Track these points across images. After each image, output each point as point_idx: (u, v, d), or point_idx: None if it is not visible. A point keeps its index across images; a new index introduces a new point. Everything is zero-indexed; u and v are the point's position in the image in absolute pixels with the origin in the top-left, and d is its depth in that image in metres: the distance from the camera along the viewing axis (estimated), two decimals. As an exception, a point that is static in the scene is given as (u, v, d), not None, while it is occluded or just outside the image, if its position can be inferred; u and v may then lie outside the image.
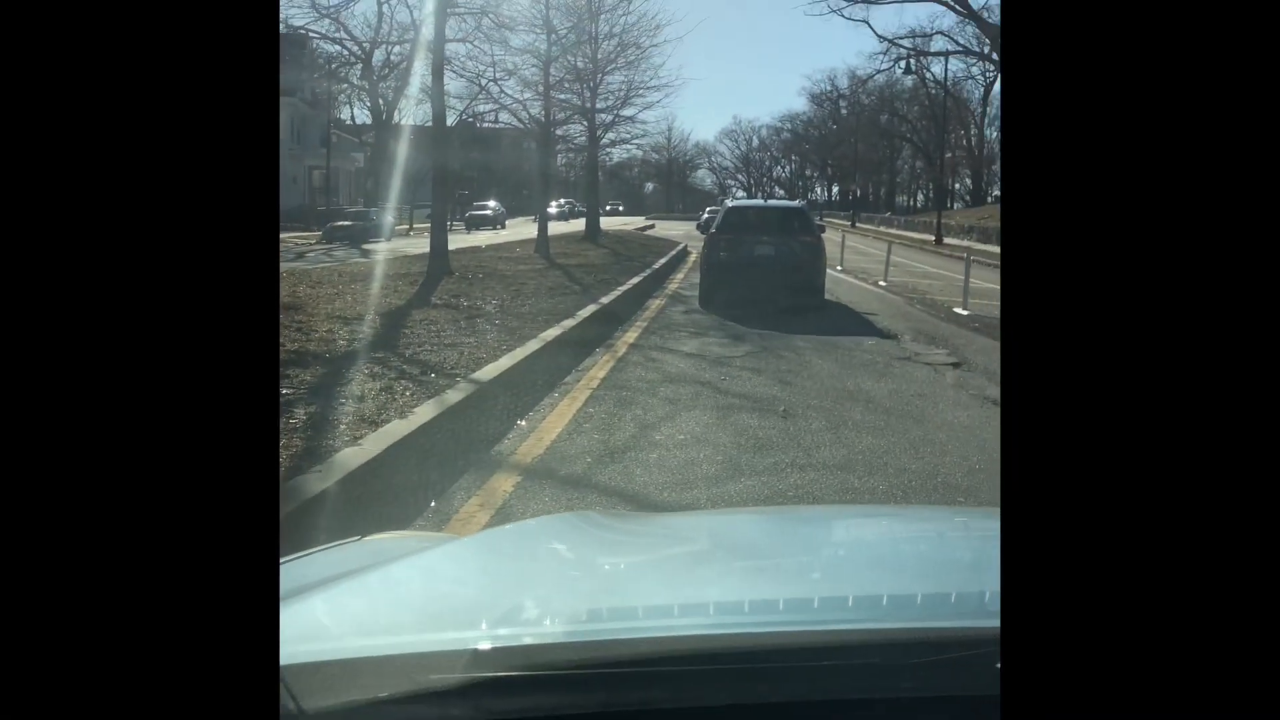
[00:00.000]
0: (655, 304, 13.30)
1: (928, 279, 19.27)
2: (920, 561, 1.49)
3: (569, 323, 8.95)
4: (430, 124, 14.91)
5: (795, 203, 18.89)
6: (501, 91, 20.56)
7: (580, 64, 23.99)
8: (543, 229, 20.86)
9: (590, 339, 8.99)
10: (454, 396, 5.26)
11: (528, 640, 0.99)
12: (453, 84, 25.46)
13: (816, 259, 12.67)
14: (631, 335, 9.78)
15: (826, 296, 13.32)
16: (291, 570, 1.34)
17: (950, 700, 0.91)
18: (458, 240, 29.10)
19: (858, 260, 23.73)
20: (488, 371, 6.12)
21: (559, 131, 30.06)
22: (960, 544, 1.64)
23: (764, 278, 12.12)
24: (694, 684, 0.92)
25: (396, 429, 4.40)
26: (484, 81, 19.47)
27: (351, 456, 3.93)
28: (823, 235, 13.40)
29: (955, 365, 8.44)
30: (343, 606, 1.20)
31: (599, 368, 7.70)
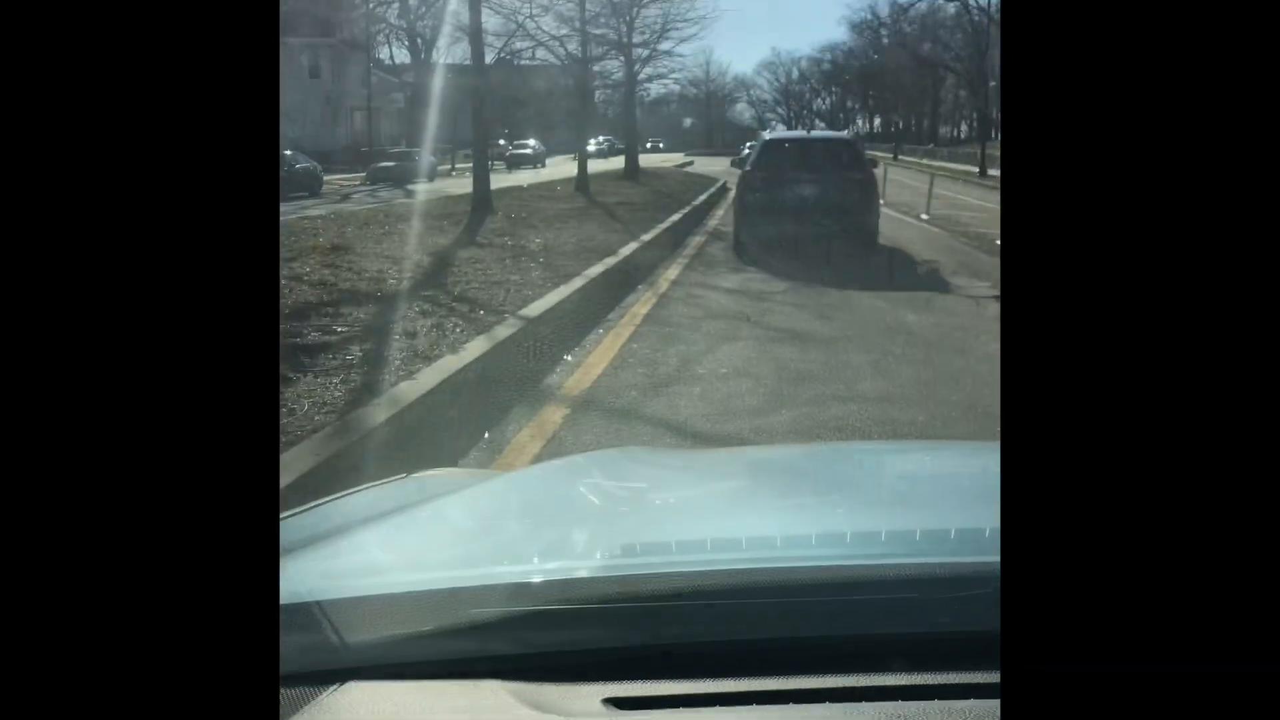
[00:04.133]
0: (695, 241, 13.34)
1: (970, 211, 19.04)
2: (956, 495, 1.48)
3: (610, 260, 9.06)
4: (469, 63, 14.88)
5: (842, 134, 17.06)
6: (538, 28, 20.44)
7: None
8: (582, 167, 20.87)
9: (632, 276, 9.10)
10: (503, 332, 5.42)
11: (563, 575, 1.00)
12: (490, 21, 25.36)
13: (869, 199, 11.14)
14: (673, 272, 9.87)
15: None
16: (340, 507, 1.38)
17: (985, 635, 0.88)
18: (500, 180, 29.05)
19: (900, 194, 23.45)
20: (534, 308, 6.27)
21: (596, 68, 29.89)
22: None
23: (807, 222, 10.39)
24: (727, 618, 0.92)
25: (449, 363, 4.57)
26: (521, 18, 19.32)
27: (408, 390, 4.11)
28: (875, 171, 12.08)
29: (997, 298, 8.44)
30: (386, 542, 1.22)
31: (642, 304, 7.82)
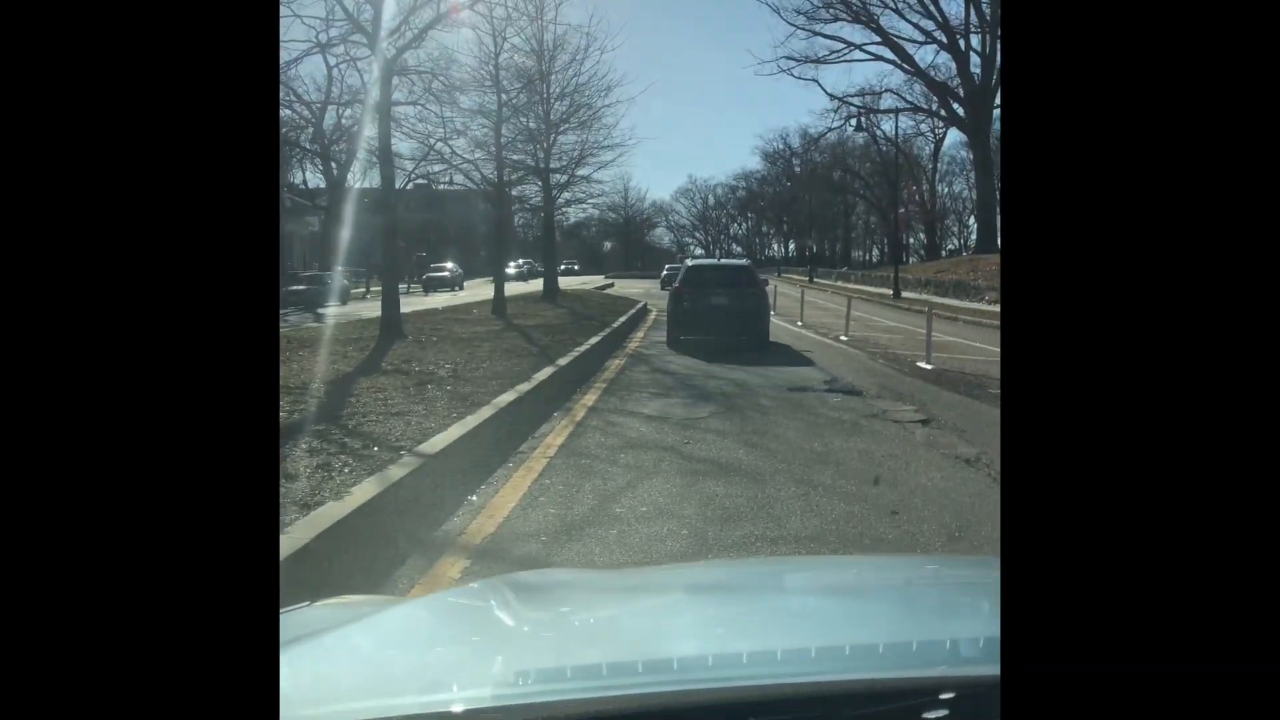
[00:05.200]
0: (615, 364, 12.98)
1: (889, 333, 19.18)
2: (883, 608, 1.52)
3: (524, 386, 8.58)
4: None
5: (742, 261, 21.38)
6: (453, 152, 20.37)
7: (532, 125, 23.97)
8: (499, 290, 20.58)
9: (547, 403, 8.64)
10: (397, 472, 4.87)
11: (455, 707, 0.97)
12: (404, 145, 25.32)
13: (761, 306, 15.32)
14: (591, 397, 9.44)
15: (787, 347, 14.66)
16: None
17: None
18: (415, 303, 28.86)
19: (818, 315, 23.65)
20: (436, 443, 5.74)
21: (514, 191, 30.01)
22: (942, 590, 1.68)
23: (720, 322, 14.73)
24: None
25: (331, 512, 4.01)
26: (433, 142, 19.22)
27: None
28: (766, 286, 16.25)
29: (924, 422, 8.19)
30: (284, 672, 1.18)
31: (556, 434, 7.34)
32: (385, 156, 13.84)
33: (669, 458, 6.50)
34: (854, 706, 0.91)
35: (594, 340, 14.33)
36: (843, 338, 17.74)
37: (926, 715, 0.89)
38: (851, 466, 6.30)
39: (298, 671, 1.19)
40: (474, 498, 5.28)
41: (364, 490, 4.38)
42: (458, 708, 0.96)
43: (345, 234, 32.55)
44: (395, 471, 4.87)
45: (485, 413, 7.00)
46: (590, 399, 9.33)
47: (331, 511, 4.02)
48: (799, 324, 21.43)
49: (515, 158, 23.20)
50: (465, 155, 20.59)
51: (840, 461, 6.46)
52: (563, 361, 10.87)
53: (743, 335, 14.66)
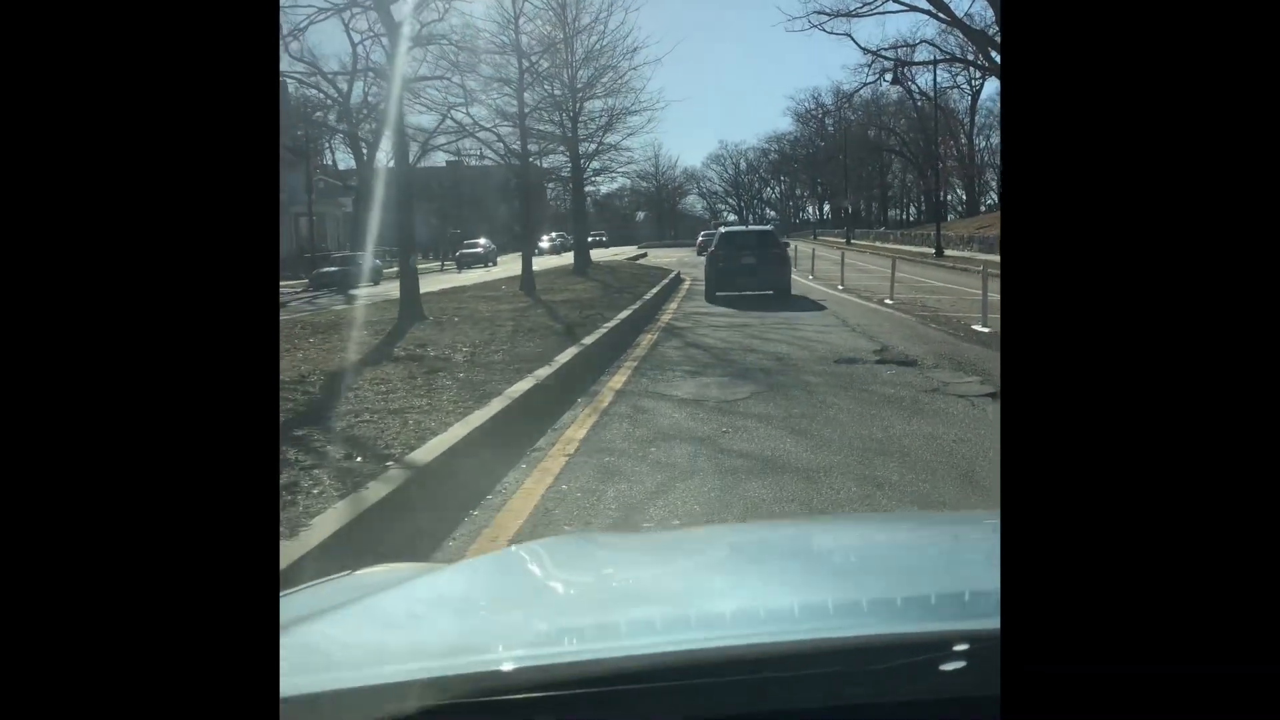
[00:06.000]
0: (647, 339, 12.14)
1: (935, 294, 18.13)
2: (932, 564, 1.52)
3: (544, 372, 7.76)
4: (418, 167, 13.82)
5: (767, 227, 24.90)
6: (474, 122, 19.51)
7: (557, 92, 23.08)
8: (527, 264, 19.76)
9: (570, 388, 7.83)
10: (377, 492, 4.05)
11: (475, 668, 0.99)
12: (426, 119, 24.50)
13: (784, 264, 18.81)
14: (619, 379, 8.61)
15: (829, 313, 14.49)
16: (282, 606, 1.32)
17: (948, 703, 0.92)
18: (446, 280, 28.24)
19: (859, 278, 22.61)
20: (434, 447, 4.93)
21: (544, 163, 29.18)
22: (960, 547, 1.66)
23: (749, 277, 18.14)
24: (643, 701, 0.93)
25: (285, 552, 3.21)
26: (450, 110, 18.36)
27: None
28: (787, 248, 20.43)
29: (993, 396, 7.26)
30: (316, 641, 1.21)
31: (578, 425, 6.52)
32: (398, 124, 13.03)
33: (705, 452, 5.66)
34: (870, 661, 0.92)
35: (624, 314, 13.50)
36: (887, 301, 16.76)
37: (943, 667, 0.90)
38: (920, 457, 5.42)
39: (344, 634, 1.24)
40: (475, 512, 4.47)
41: (325, 523, 3.55)
42: (507, 666, 0.97)
43: (374, 214, 32.06)
44: (375, 491, 4.05)
45: (496, 406, 6.20)
46: (618, 381, 8.50)
47: (285, 552, 3.22)
48: (840, 288, 20.43)
49: (541, 127, 22.36)
50: (485, 125, 19.71)
51: (906, 450, 5.58)
52: (588, 340, 10.04)
53: (768, 286, 17.93)
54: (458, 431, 5.29)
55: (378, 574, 1.67)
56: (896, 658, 0.92)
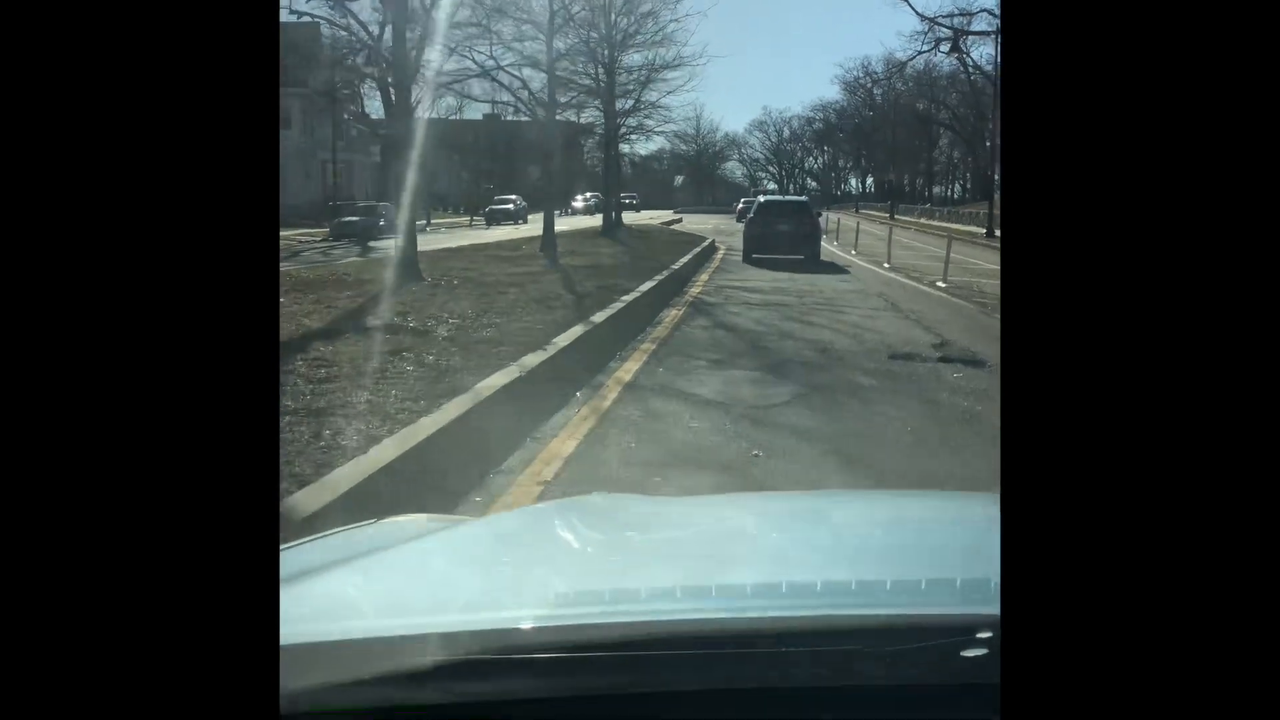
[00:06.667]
0: (670, 315, 10.70)
1: (993, 279, 16.47)
2: (892, 546, 1.51)
3: (531, 360, 6.18)
4: (453, 116, 12.43)
5: (801, 198, 27.98)
6: (498, 67, 17.96)
7: (593, 37, 21.52)
8: (549, 224, 18.30)
9: (569, 377, 6.39)
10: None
11: (491, 625, 0.98)
12: (453, 64, 23.02)
13: (815, 232, 20.13)
14: (631, 367, 7.18)
15: (878, 295, 13.11)
16: (301, 554, 1.37)
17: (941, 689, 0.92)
18: (471, 236, 26.92)
19: (906, 256, 20.97)
20: (334, 483, 3.47)
21: (581, 118, 27.71)
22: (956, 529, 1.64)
23: (783, 242, 19.40)
24: (658, 668, 0.93)
25: None
26: (470, 48, 16.82)
27: None
28: (818, 218, 21.71)
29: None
30: (337, 589, 1.21)
31: (567, 435, 5.08)
32: (400, 64, 11.60)
33: (731, 485, 4.22)
34: (892, 641, 0.92)
35: (647, 286, 12.03)
36: (940, 284, 15.18)
37: (965, 653, 0.90)
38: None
39: (369, 583, 1.24)
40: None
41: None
42: (525, 625, 0.97)
43: (401, 165, 30.89)
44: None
45: (460, 404, 4.76)
46: (630, 370, 7.06)
47: None
48: (885, 266, 18.85)
49: (563, 71, 20.79)
50: (512, 71, 18.17)
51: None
52: (599, 318, 8.54)
53: (799, 252, 19.16)
54: (384, 454, 3.80)
55: (404, 524, 1.67)
56: (916, 639, 0.91)
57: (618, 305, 9.58)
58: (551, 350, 6.58)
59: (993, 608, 0.88)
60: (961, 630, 0.90)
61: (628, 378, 6.76)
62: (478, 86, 21.97)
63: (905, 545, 1.50)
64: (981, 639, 0.89)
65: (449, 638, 0.93)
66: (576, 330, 7.53)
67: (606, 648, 0.91)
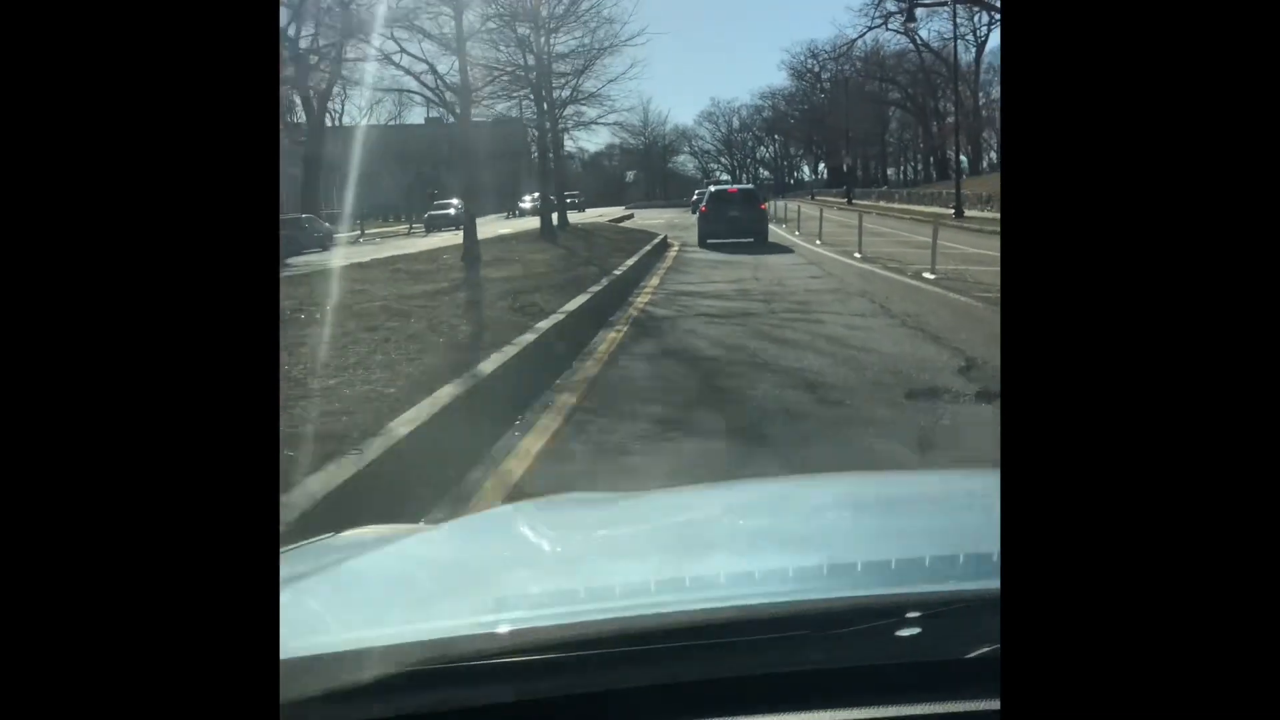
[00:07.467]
0: (606, 341, 8.24)
1: (982, 265, 14.13)
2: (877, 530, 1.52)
3: (334, 476, 3.66)
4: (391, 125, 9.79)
5: (749, 186, 29.73)
6: (401, 51, 15.34)
7: (517, 18, 19.04)
8: (469, 229, 15.74)
9: (401, 487, 3.88)
10: None
11: (433, 635, 0.97)
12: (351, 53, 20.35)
13: (762, 217, 22.16)
14: (529, 447, 4.70)
15: (865, 297, 10.35)
16: None
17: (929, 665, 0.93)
18: (399, 246, 24.43)
19: (878, 244, 18.66)
20: None
21: (520, 114, 25.29)
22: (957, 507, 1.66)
23: (733, 227, 21.33)
24: (604, 668, 0.92)
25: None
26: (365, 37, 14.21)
27: None
28: (764, 205, 23.70)
29: None
30: (303, 602, 1.18)
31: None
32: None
33: None
34: (827, 626, 0.94)
35: (579, 302, 9.54)
36: (927, 274, 12.87)
37: (899, 633, 0.92)
38: None
39: (334, 594, 1.23)
40: None
41: None
42: (502, 628, 0.96)
43: (323, 176, 28.60)
44: None
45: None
46: (528, 453, 4.57)
47: None
48: (857, 256, 16.56)
49: (493, 63, 18.26)
50: (414, 54, 15.56)
51: None
52: (487, 367, 5.79)
53: (749, 234, 21.09)
54: None
55: (365, 535, 1.64)
56: (855, 622, 0.94)
57: (528, 338, 7.02)
58: (387, 438, 3.99)
59: (922, 586, 0.99)
60: (893, 611, 0.93)
61: (519, 473, 4.25)
62: (375, 73, 19.47)
63: (847, 530, 1.52)
64: (911, 619, 0.91)
65: (426, 645, 0.92)
66: (446, 392, 4.89)
67: (576, 647, 0.92)
